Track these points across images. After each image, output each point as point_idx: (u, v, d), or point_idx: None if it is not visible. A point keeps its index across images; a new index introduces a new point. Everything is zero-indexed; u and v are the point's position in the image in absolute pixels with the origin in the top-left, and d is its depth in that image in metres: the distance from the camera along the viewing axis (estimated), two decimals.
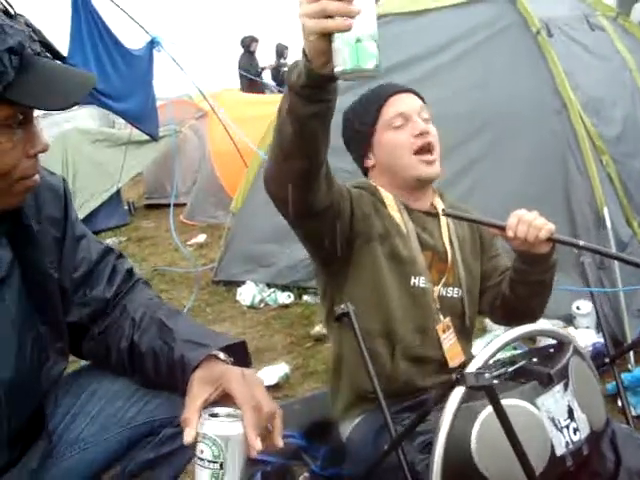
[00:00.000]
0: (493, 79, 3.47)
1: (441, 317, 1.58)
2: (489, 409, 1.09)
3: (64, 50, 1.20)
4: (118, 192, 6.64)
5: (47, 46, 1.05)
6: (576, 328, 3.00)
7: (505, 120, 3.39)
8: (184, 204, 6.35)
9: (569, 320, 3.05)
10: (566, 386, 1.20)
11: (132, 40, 4.51)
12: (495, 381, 1.00)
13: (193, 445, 1.01)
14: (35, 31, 1.04)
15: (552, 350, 1.32)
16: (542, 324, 1.55)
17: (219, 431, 1.00)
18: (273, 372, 3.00)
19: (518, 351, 2.05)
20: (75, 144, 6.47)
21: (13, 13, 1.02)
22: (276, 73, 11.03)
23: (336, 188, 1.43)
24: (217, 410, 1.04)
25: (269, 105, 5.52)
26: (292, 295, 4.02)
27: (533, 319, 1.62)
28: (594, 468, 1.26)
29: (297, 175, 1.29)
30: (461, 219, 1.62)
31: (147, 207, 7.22)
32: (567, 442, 1.16)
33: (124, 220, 6.79)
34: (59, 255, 1.21)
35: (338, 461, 1.62)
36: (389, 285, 1.54)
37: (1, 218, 1.12)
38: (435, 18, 3.66)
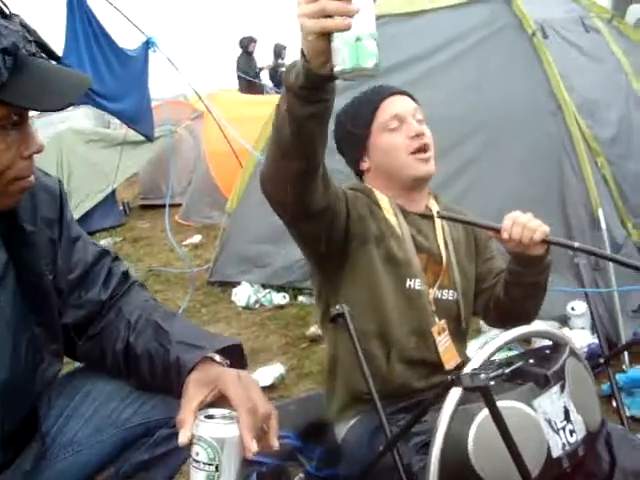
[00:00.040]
0: (488, 80, 3.47)
1: (436, 319, 1.58)
2: (486, 411, 1.09)
3: (59, 50, 1.20)
4: (113, 192, 6.64)
5: (42, 46, 1.05)
6: (571, 329, 3.01)
7: (500, 122, 3.39)
8: (179, 204, 6.34)
9: (564, 321, 3.06)
10: (562, 387, 1.20)
11: (127, 40, 4.50)
12: (492, 382, 1.01)
13: (188, 446, 1.00)
14: (30, 31, 1.03)
15: (548, 351, 1.32)
16: (537, 325, 1.55)
17: (214, 433, 0.99)
18: (268, 373, 3.00)
19: (513, 352, 2.05)
20: (70, 144, 6.46)
21: (8, 13, 1.02)
22: (274, 73, 10.99)
23: (332, 189, 1.43)
24: (213, 412, 1.04)
25: (265, 105, 5.52)
26: (287, 296, 4.02)
27: (527, 321, 1.62)
28: (589, 469, 1.26)
29: (294, 176, 1.29)
30: (456, 221, 1.62)
31: (142, 207, 7.21)
32: (563, 444, 1.16)
33: (119, 220, 6.79)
34: (54, 257, 1.21)
35: (333, 462, 1.62)
36: (384, 287, 1.54)
37: None
38: (431, 19, 3.66)
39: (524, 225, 1.43)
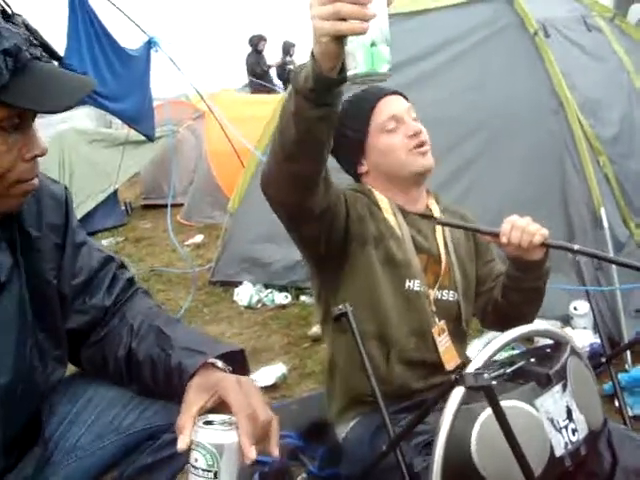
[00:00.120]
0: (490, 79, 3.47)
1: (436, 320, 1.58)
2: (489, 411, 1.09)
3: (61, 50, 1.20)
4: (115, 192, 6.64)
5: (44, 46, 1.05)
6: (573, 328, 3.01)
7: (502, 120, 3.39)
8: (181, 204, 6.35)
9: (566, 321, 3.06)
10: (564, 387, 1.20)
11: (129, 40, 4.51)
12: (493, 382, 1.00)
13: (187, 452, 1.00)
14: (32, 31, 1.03)
15: (549, 350, 1.32)
16: (538, 324, 1.55)
17: (213, 439, 0.98)
18: (270, 372, 3.00)
19: (516, 351, 2.05)
20: (72, 144, 6.46)
21: (10, 13, 1.02)
22: (281, 71, 10.89)
23: (333, 190, 1.43)
24: (212, 418, 1.03)
25: (267, 105, 5.53)
26: (289, 295, 4.02)
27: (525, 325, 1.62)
28: (591, 468, 1.26)
29: (297, 177, 1.29)
30: (455, 227, 1.62)
31: (144, 207, 7.21)
32: (566, 443, 1.16)
33: (121, 220, 6.79)
34: (59, 262, 1.21)
35: (336, 462, 1.62)
36: (383, 288, 1.53)
37: (2, 223, 1.11)
38: (434, 18, 3.66)
39: (523, 229, 1.43)
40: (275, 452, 1.05)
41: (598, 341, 2.62)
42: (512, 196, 3.18)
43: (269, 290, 4.10)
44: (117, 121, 7.56)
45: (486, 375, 1.00)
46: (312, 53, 1.05)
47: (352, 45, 0.96)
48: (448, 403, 1.08)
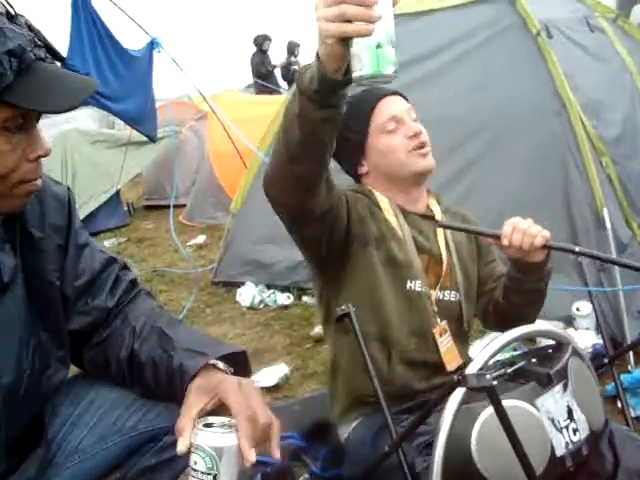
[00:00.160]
0: (493, 80, 3.47)
1: (438, 320, 1.58)
2: (489, 410, 1.09)
3: (63, 51, 1.20)
4: (117, 193, 6.65)
5: (47, 47, 1.05)
6: (576, 329, 3.00)
7: (505, 121, 3.39)
8: (183, 205, 6.35)
9: (569, 321, 3.05)
10: (565, 386, 1.20)
11: (132, 41, 4.52)
12: (495, 382, 1.00)
13: (187, 455, 0.99)
14: (35, 32, 1.04)
15: (551, 351, 1.32)
16: (540, 324, 1.54)
17: (213, 442, 0.98)
18: (273, 373, 3.00)
19: (517, 352, 2.05)
20: (75, 145, 6.48)
21: (13, 13, 1.02)
22: (286, 72, 10.89)
23: (335, 192, 1.43)
24: (212, 420, 1.03)
25: (269, 106, 5.54)
26: (292, 296, 4.02)
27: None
28: (593, 468, 1.26)
29: (300, 179, 1.29)
30: (456, 229, 1.62)
31: (146, 208, 7.22)
32: (567, 442, 1.16)
33: (123, 221, 6.80)
34: (62, 263, 1.21)
35: (338, 462, 1.62)
36: (384, 289, 1.53)
37: (5, 224, 1.12)
38: (439, 18, 3.67)
39: (524, 231, 1.43)
40: (276, 455, 1.05)
41: (601, 342, 2.62)
42: (514, 197, 3.18)
43: (271, 291, 4.11)
44: (120, 122, 7.58)
45: (488, 376, 1.00)
46: (317, 54, 1.05)
47: (357, 47, 0.96)
48: (448, 403, 1.08)
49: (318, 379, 3.00)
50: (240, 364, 1.19)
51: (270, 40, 10.64)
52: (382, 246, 1.54)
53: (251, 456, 0.98)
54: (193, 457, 0.98)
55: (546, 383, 1.19)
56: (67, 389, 1.29)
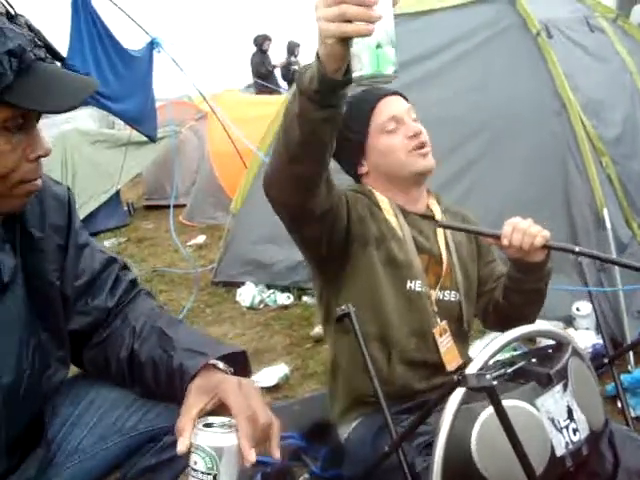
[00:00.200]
0: (493, 80, 3.47)
1: (438, 320, 1.58)
2: (489, 410, 1.09)
3: (63, 51, 1.20)
4: (117, 193, 6.65)
5: (47, 47, 1.05)
6: (576, 329, 3.01)
7: (504, 121, 3.39)
8: (183, 205, 6.35)
9: (569, 321, 3.05)
10: (565, 386, 1.20)
11: (132, 41, 4.52)
12: (494, 382, 1.00)
13: (187, 455, 0.99)
14: (35, 32, 1.04)
15: (551, 351, 1.32)
16: (539, 324, 1.55)
17: (212, 442, 0.98)
18: (273, 373, 3.00)
19: (517, 352, 2.05)
20: (75, 145, 6.48)
21: (13, 13, 1.02)
22: (286, 72, 10.88)
23: (335, 192, 1.43)
24: (212, 420, 1.03)
25: (269, 106, 5.54)
26: (292, 296, 4.02)
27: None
28: (593, 468, 1.26)
29: (300, 179, 1.29)
30: (456, 229, 1.62)
31: (146, 208, 7.22)
32: (567, 442, 1.16)
33: (123, 221, 6.80)
34: (62, 263, 1.21)
35: (338, 462, 1.62)
36: (384, 289, 1.53)
37: (5, 224, 1.12)
38: (439, 18, 3.67)
39: (524, 231, 1.43)
40: (276, 454, 1.05)
41: (601, 342, 2.62)
42: (514, 197, 3.19)
43: (271, 291, 4.11)
44: (120, 122, 7.58)
45: (488, 376, 1.00)
46: (317, 54, 1.05)
47: (357, 47, 0.96)
48: (448, 403, 1.08)
49: (318, 379, 3.00)
50: (240, 364, 1.19)
51: (270, 40, 10.64)
52: (382, 246, 1.54)
53: (251, 456, 0.98)
54: (193, 457, 0.99)
55: (546, 383, 1.19)
56: (67, 389, 1.29)
